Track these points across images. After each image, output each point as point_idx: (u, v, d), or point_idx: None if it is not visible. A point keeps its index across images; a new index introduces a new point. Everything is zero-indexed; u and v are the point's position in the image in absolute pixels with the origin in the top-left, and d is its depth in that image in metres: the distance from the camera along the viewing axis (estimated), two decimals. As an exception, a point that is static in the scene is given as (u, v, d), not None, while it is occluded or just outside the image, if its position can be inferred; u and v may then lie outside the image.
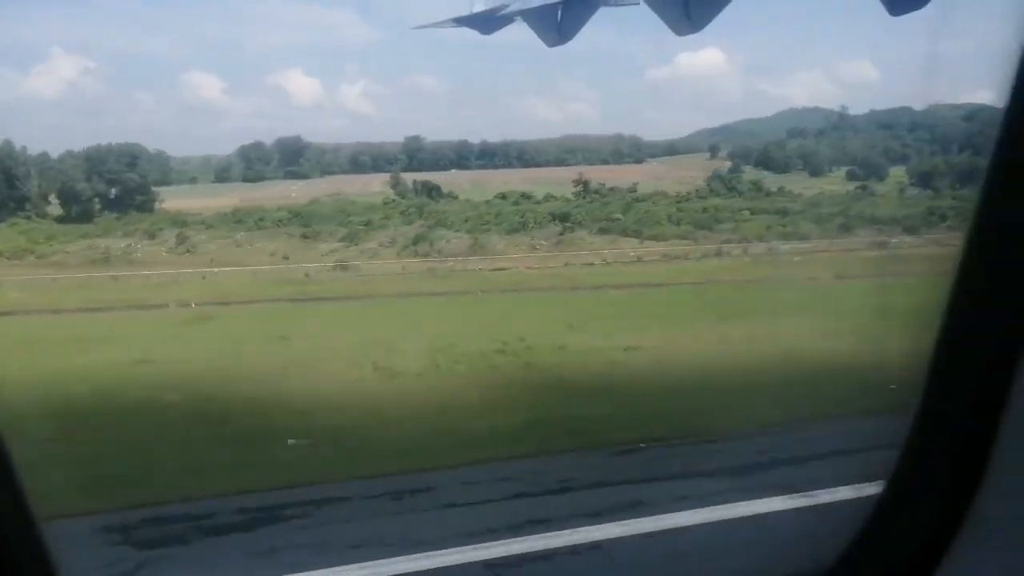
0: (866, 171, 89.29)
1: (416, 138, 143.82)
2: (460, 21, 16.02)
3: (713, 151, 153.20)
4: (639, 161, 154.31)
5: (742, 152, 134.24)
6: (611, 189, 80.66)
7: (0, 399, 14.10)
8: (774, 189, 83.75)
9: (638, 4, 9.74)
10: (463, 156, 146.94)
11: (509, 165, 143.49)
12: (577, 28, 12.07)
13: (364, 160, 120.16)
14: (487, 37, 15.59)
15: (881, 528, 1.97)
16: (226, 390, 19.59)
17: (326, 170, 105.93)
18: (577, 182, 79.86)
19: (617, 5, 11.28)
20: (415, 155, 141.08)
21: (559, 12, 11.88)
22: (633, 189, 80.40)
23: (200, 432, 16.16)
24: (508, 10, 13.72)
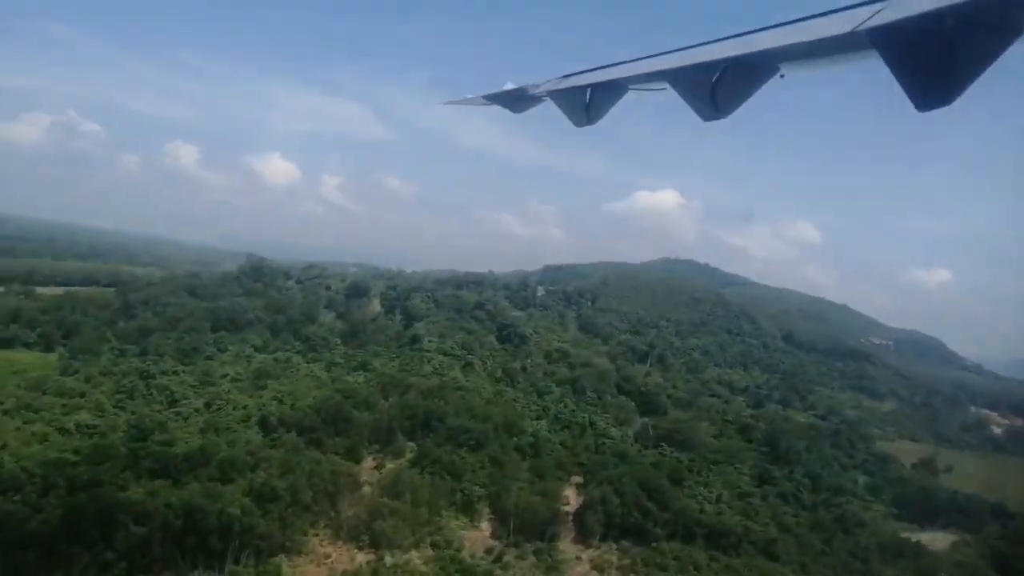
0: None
1: None
2: (491, 98, 15.82)
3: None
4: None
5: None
6: None
7: None
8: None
9: (665, 90, 9.22)
10: None
11: None
12: (605, 111, 11.82)
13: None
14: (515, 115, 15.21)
15: None
16: None
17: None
18: None
19: (644, 90, 10.82)
20: None
21: (588, 94, 11.65)
22: None
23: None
24: (538, 90, 13.49)
